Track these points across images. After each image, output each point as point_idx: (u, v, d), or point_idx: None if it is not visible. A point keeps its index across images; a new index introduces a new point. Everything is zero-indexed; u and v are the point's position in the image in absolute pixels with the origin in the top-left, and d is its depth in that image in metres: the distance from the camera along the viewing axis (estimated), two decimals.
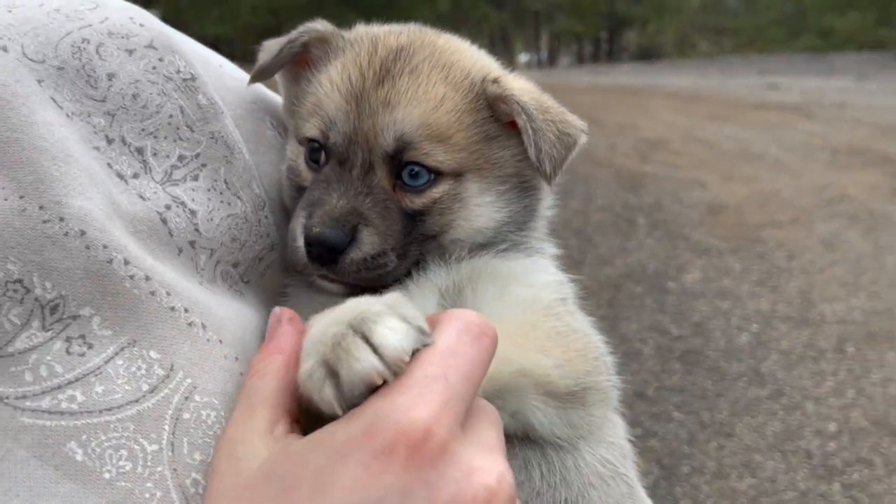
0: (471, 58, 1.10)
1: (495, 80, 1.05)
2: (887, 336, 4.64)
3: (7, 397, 0.66)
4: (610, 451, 0.94)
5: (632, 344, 4.78)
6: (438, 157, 0.99)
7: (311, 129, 1.02)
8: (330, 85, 1.02)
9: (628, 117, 13.83)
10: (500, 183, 1.06)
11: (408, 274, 0.99)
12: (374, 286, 0.95)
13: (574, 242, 6.63)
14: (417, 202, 1.00)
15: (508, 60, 1.34)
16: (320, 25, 1.10)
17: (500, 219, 1.05)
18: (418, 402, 0.62)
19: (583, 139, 1.09)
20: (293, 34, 1.10)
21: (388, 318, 0.68)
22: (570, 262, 1.10)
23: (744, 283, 5.59)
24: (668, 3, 31.78)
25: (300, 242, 0.94)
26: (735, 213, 7.18)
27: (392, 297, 0.73)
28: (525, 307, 0.94)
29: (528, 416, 0.85)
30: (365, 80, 1.00)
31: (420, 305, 0.89)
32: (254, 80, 1.08)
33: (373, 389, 0.64)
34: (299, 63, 1.12)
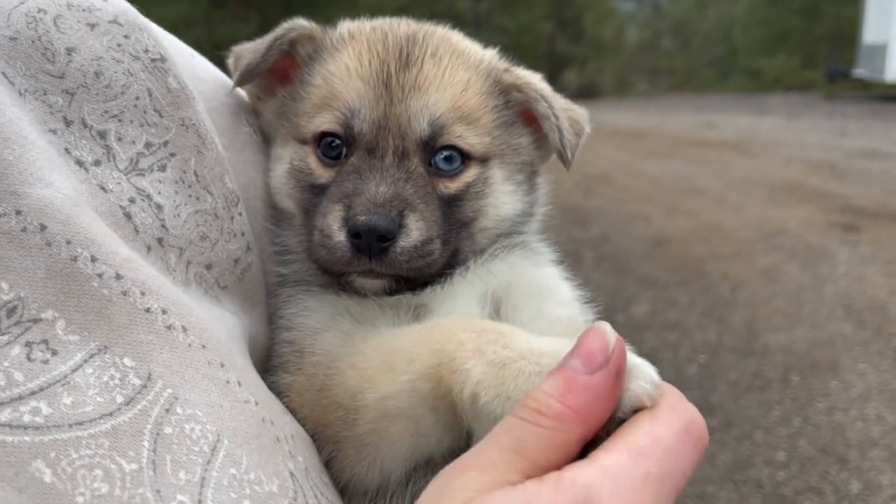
0: (474, 46, 1.11)
1: (507, 69, 1.08)
2: (829, 366, 4.75)
3: None
4: None
5: None
6: (470, 139, 0.99)
7: (325, 123, 0.98)
8: (346, 73, 0.98)
9: None
10: (518, 171, 1.07)
11: (446, 269, 0.97)
12: (418, 279, 0.94)
13: None
14: (452, 187, 0.99)
15: None
16: (304, 22, 1.07)
17: (520, 208, 1.08)
18: (634, 501, 0.56)
19: (588, 128, 1.13)
20: (279, 31, 1.05)
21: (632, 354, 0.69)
22: None
23: (690, 314, 5.67)
24: (607, 43, 32.73)
25: (341, 237, 0.90)
26: (680, 246, 7.32)
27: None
28: (563, 327, 0.94)
29: None
30: (388, 65, 0.97)
31: (465, 306, 0.93)
32: (240, 83, 1.03)
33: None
34: (277, 66, 1.07)
